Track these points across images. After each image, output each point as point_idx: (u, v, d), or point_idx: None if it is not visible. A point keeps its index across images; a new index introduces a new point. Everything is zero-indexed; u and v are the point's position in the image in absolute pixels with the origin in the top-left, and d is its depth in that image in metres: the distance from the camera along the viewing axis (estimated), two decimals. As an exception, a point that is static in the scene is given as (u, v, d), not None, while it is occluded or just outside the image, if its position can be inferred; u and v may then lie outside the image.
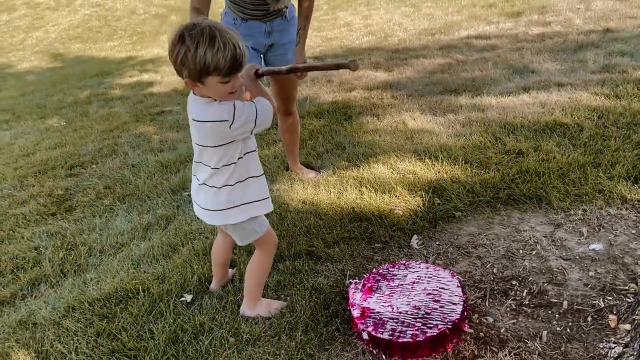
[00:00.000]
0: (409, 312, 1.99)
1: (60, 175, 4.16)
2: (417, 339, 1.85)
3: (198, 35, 1.59)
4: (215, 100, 1.77)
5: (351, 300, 2.12)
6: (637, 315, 1.68)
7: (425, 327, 1.89)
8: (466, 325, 1.98)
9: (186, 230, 2.90)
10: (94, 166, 4.30)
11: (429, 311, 1.97)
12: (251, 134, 1.90)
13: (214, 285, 2.40)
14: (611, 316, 1.86)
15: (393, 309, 2.03)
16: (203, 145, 1.88)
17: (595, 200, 2.64)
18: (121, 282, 2.51)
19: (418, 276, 2.18)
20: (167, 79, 7.26)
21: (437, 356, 1.87)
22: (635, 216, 2.49)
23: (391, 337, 1.88)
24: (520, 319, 1.99)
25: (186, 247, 2.74)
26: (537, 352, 1.81)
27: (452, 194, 2.89)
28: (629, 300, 1.95)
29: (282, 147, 3.66)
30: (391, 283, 2.17)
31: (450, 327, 1.88)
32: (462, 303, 1.97)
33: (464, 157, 3.28)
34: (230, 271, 2.47)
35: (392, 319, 1.97)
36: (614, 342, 1.78)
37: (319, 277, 2.39)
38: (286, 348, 1.99)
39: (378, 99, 4.84)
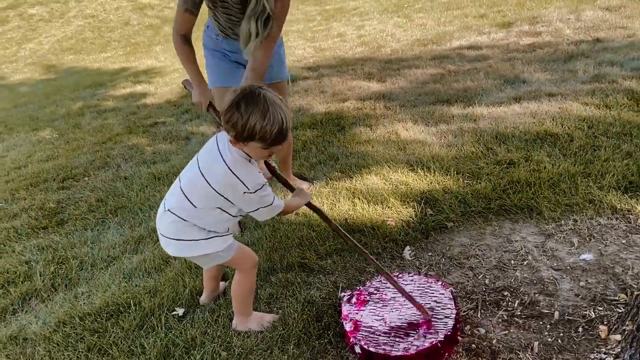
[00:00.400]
0: (401, 326, 1.99)
1: (52, 188, 4.15)
2: (409, 352, 1.85)
3: (253, 105, 1.69)
4: (250, 160, 1.87)
5: (344, 313, 2.12)
6: (627, 325, 1.68)
7: (417, 341, 1.89)
8: (459, 337, 1.98)
9: (178, 242, 2.89)
10: (86, 178, 4.29)
11: (421, 324, 1.97)
12: (250, 212, 1.95)
13: (204, 298, 2.39)
14: (602, 327, 1.86)
15: (385, 322, 2.03)
16: (206, 179, 1.85)
17: (585, 210, 2.66)
18: (112, 296, 2.49)
19: (410, 289, 2.18)
20: (161, 90, 7.27)
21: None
22: (626, 226, 2.50)
23: (383, 351, 1.87)
24: (511, 330, 1.99)
25: (178, 260, 2.73)
26: (528, 364, 1.82)
27: (444, 205, 2.90)
28: (620, 311, 1.95)
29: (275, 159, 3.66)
30: (384, 296, 2.17)
31: (442, 340, 1.87)
32: (454, 316, 1.97)
33: (455, 168, 3.30)
34: (222, 284, 2.46)
35: (385, 332, 1.97)
36: (605, 353, 1.78)
37: (312, 289, 2.39)
38: (278, 362, 1.98)
39: (371, 109, 4.86)
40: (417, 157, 3.57)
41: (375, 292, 2.20)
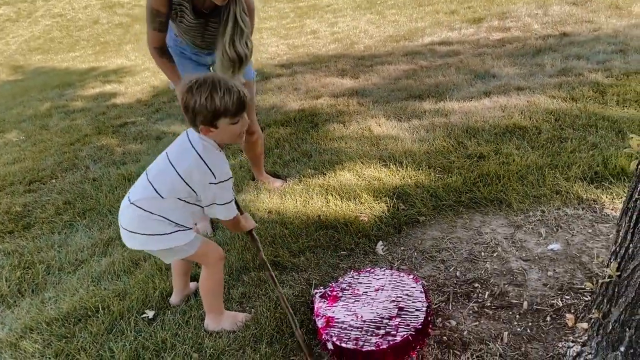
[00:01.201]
0: (373, 321, 1.99)
1: (18, 191, 4.04)
2: (381, 347, 1.85)
3: (204, 85, 1.77)
4: (221, 152, 1.91)
5: (316, 309, 2.11)
6: (593, 314, 1.71)
7: (389, 336, 1.89)
8: (430, 330, 1.99)
9: (149, 244, 2.84)
10: (53, 181, 4.18)
11: (393, 319, 1.97)
12: (204, 206, 1.95)
13: (174, 298, 2.35)
14: (569, 315, 1.89)
15: (357, 317, 2.02)
16: (175, 168, 1.87)
17: (553, 201, 2.70)
18: (80, 300, 2.44)
19: (382, 283, 2.18)
20: (131, 89, 7.14)
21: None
22: (592, 215, 2.55)
23: (355, 347, 1.87)
24: (482, 321, 2.01)
25: (148, 262, 2.68)
26: (498, 354, 1.84)
27: (416, 199, 2.92)
28: (586, 299, 1.99)
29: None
30: (356, 291, 2.17)
31: (413, 333, 1.88)
32: (425, 309, 1.98)
33: (427, 162, 3.32)
34: (193, 284, 2.43)
35: (357, 327, 1.97)
36: (572, 341, 1.81)
37: (284, 287, 2.37)
38: (250, 361, 1.96)
39: (344, 106, 4.86)
40: (390, 153, 3.58)
41: (347, 287, 2.20)
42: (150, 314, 2.30)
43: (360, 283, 2.22)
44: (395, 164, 3.37)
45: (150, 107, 6.05)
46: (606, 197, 2.65)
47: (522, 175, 2.96)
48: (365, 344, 1.87)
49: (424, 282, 2.20)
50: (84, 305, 2.39)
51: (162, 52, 2.64)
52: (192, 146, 1.88)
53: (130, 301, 2.38)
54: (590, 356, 1.71)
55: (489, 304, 2.10)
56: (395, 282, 2.18)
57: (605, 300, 1.66)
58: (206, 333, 2.14)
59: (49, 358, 2.11)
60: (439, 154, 3.45)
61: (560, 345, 1.82)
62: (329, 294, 2.19)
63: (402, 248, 2.58)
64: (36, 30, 15.25)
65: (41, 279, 2.77)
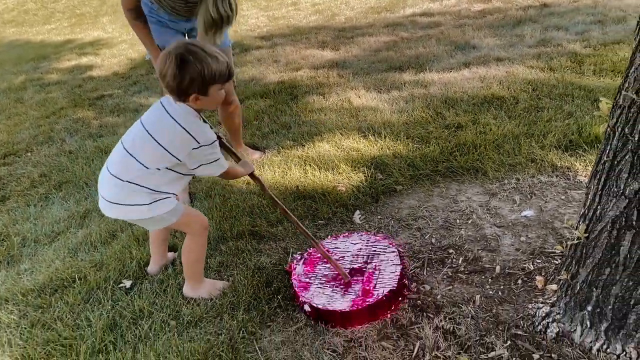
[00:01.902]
0: (349, 283, 2.02)
1: (-8, 164, 3.96)
2: (357, 307, 1.88)
3: (195, 54, 1.75)
4: (201, 119, 1.89)
5: (294, 275, 2.13)
6: (562, 275, 1.75)
7: (364, 296, 1.92)
8: (405, 292, 2.02)
9: (126, 215, 2.82)
10: (28, 154, 4.11)
11: (369, 280, 2.00)
12: (192, 168, 1.92)
13: (152, 267, 2.35)
14: (539, 277, 1.93)
15: (335, 280, 2.05)
16: (155, 139, 1.83)
17: (527, 169, 2.74)
18: (56, 271, 2.42)
19: (359, 248, 2.21)
20: (108, 62, 6.99)
21: (376, 324, 1.90)
22: (565, 182, 2.59)
23: (332, 308, 1.90)
24: (455, 285, 2.05)
25: (125, 233, 2.67)
26: (470, 316, 1.88)
27: (394, 169, 2.93)
28: (557, 262, 2.04)
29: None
30: (334, 255, 2.19)
31: (388, 294, 1.91)
32: (399, 271, 2.01)
33: (405, 133, 3.33)
34: (171, 254, 2.43)
35: (333, 290, 1.99)
36: (542, 303, 1.86)
37: (262, 256, 2.38)
38: (228, 327, 1.98)
39: (324, 77, 4.82)
40: (369, 124, 3.58)
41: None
42: (127, 283, 2.30)
43: (337, 248, 2.24)
44: (373, 135, 3.37)
45: (127, 80, 5.94)
46: (580, 164, 2.69)
47: (499, 144, 2.98)
48: (342, 305, 1.90)
49: (397, 245, 2.23)
50: (60, 276, 2.38)
51: (136, 15, 2.56)
52: (170, 116, 1.84)
53: (107, 271, 2.37)
54: (558, 316, 1.76)
55: (462, 269, 2.14)
56: (371, 246, 2.20)
57: (573, 262, 1.70)
58: (184, 301, 2.15)
59: (25, 328, 2.10)
60: (417, 124, 3.45)
61: (530, 307, 1.87)
62: (307, 258, 2.21)
63: (379, 217, 2.60)
64: (9, 2, 14.78)
65: (17, 251, 2.74)
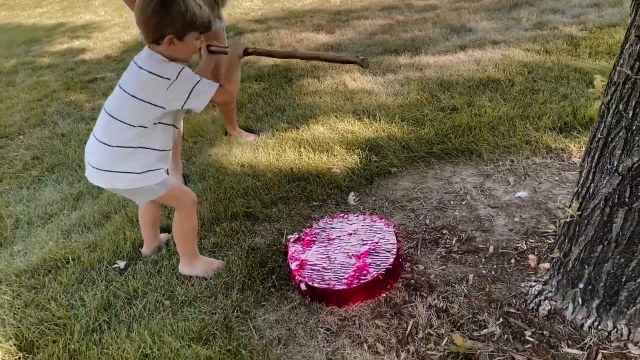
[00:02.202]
0: (345, 262, 2.02)
1: (-16, 147, 3.93)
2: (352, 285, 1.89)
3: None
4: (170, 62, 1.83)
5: (290, 254, 2.13)
6: (555, 253, 1.76)
7: (360, 275, 1.93)
8: (400, 271, 2.03)
9: (119, 197, 2.81)
10: (21, 137, 4.07)
11: (364, 260, 2.01)
12: (182, 107, 1.85)
13: (145, 250, 2.34)
14: (531, 256, 1.94)
15: (330, 259, 2.05)
16: (131, 95, 1.81)
17: (522, 150, 2.74)
18: (50, 252, 2.42)
19: (355, 228, 2.21)
20: (100, 45, 6.91)
21: (370, 302, 1.91)
22: (559, 164, 2.59)
23: (327, 286, 1.91)
24: (449, 265, 2.05)
25: (119, 214, 2.66)
26: (463, 294, 1.89)
27: (389, 151, 2.92)
28: (549, 242, 2.05)
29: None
30: (330, 235, 2.20)
31: (383, 273, 1.92)
32: (395, 251, 2.01)
33: (401, 115, 3.32)
34: (164, 235, 2.42)
35: (329, 269, 2.00)
36: (535, 281, 1.87)
37: (256, 237, 2.38)
38: (222, 307, 1.98)
39: (319, 61, 4.78)
40: (364, 107, 3.57)
41: (321, 232, 2.22)
42: (121, 264, 2.30)
43: (334, 228, 2.25)
44: (368, 117, 3.36)
45: (120, 63, 5.88)
46: (574, 145, 2.69)
47: (494, 126, 2.98)
48: (337, 283, 1.91)
49: (394, 226, 2.23)
50: (54, 257, 2.37)
51: None
52: (140, 67, 1.82)
53: (101, 252, 2.36)
54: (550, 294, 1.77)
55: (456, 249, 2.14)
56: (367, 227, 2.20)
57: (566, 240, 1.70)
58: (178, 281, 2.15)
59: (19, 308, 2.10)
60: (412, 107, 3.44)
61: (523, 285, 1.88)
62: (303, 238, 2.21)
63: (373, 198, 2.60)
64: (-1, -15, 14.51)
65: (9, 232, 2.73)
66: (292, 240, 2.23)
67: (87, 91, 5.00)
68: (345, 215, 2.32)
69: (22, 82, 5.67)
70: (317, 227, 2.27)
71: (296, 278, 2.00)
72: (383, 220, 2.23)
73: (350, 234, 2.18)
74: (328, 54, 2.01)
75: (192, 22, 1.76)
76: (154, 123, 1.85)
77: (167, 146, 1.97)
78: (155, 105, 1.81)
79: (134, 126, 1.82)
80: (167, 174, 2.03)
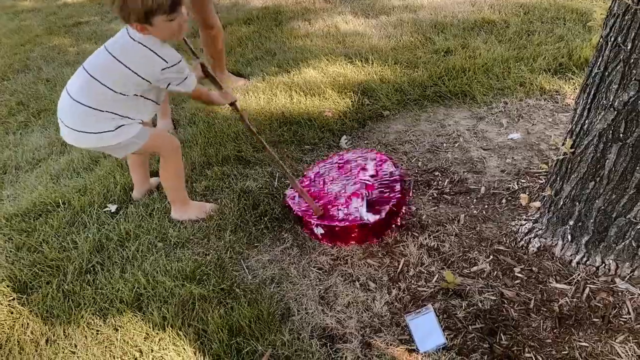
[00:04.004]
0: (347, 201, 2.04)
1: (-33, 93, 3.83)
2: (372, 220, 1.91)
3: None
4: (169, 46, 1.83)
5: (294, 209, 2.10)
6: (546, 192, 1.77)
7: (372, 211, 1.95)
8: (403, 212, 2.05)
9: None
10: (5, 82, 3.96)
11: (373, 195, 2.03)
12: (166, 88, 1.88)
13: (136, 193, 2.33)
14: (522, 195, 1.95)
15: (339, 197, 2.07)
16: (121, 62, 1.78)
17: (516, 92, 2.71)
18: (40, 196, 2.39)
19: (372, 170, 2.20)
20: (83, -12, 6.64)
21: (373, 243, 1.93)
22: (553, 105, 2.57)
23: (344, 224, 1.91)
24: (440, 206, 2.06)
25: (108, 159, 2.63)
26: (454, 234, 1.90)
27: (381, 94, 2.88)
28: (541, 182, 2.05)
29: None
30: (326, 178, 2.20)
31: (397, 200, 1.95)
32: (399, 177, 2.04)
33: (394, 58, 3.25)
34: (154, 179, 2.40)
35: (338, 209, 2.01)
36: (525, 219, 1.88)
37: (248, 180, 2.37)
38: (215, 248, 1.99)
39: (310, 3, 4.65)
40: (356, 50, 3.49)
41: (316, 178, 2.22)
42: (112, 207, 2.28)
43: (331, 170, 2.25)
44: (361, 61, 3.29)
45: (104, 7, 5.67)
46: (568, 87, 2.66)
47: (488, 68, 2.93)
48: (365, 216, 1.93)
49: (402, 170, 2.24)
50: (44, 201, 2.35)
51: None
52: (136, 40, 1.78)
53: (92, 196, 2.35)
54: (540, 232, 1.79)
55: (448, 191, 2.15)
56: (364, 159, 2.22)
57: (558, 178, 1.70)
58: (170, 223, 2.15)
59: (11, 251, 2.09)
60: (405, 49, 3.37)
61: (514, 224, 1.90)
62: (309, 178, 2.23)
63: (365, 141, 2.58)
64: None
65: (-3, 178, 2.70)
66: (290, 195, 2.21)
67: (70, 35, 4.84)
68: (357, 151, 2.34)
69: (4, 27, 5.47)
70: (311, 172, 2.27)
71: (312, 223, 1.99)
72: (391, 160, 2.23)
73: (362, 168, 2.20)
74: (294, 179, 2.05)
75: (150, 10, 1.70)
76: (135, 94, 1.84)
77: (144, 118, 1.95)
78: (143, 78, 1.80)
79: (114, 91, 1.80)
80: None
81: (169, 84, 1.86)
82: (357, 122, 2.72)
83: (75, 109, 1.83)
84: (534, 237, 1.79)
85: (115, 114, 1.84)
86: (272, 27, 4.20)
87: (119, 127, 1.86)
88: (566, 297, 1.60)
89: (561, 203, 1.69)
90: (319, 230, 1.97)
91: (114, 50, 1.82)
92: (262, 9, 4.62)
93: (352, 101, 2.86)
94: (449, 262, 1.80)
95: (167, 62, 1.79)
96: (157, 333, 1.67)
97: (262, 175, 2.40)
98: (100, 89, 1.79)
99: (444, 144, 2.45)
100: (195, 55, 2.06)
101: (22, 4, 6.34)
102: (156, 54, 1.77)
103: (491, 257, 1.78)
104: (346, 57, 3.39)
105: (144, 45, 1.77)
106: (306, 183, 2.23)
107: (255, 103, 3.00)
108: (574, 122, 1.61)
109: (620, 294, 1.58)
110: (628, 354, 1.42)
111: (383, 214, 1.90)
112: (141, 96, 1.86)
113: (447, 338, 1.53)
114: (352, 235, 1.92)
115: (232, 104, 2.14)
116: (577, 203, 1.62)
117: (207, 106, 2.47)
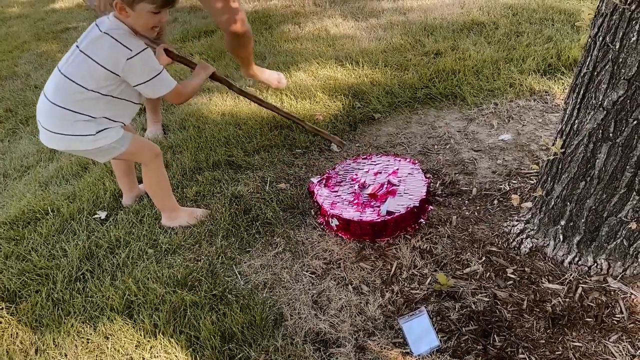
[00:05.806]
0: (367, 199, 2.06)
1: (-46, 101, 3.78)
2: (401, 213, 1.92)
3: None
4: (135, 36, 1.79)
5: (317, 196, 2.13)
6: (538, 192, 1.77)
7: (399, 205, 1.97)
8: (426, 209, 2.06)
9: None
10: (-8, 89, 3.94)
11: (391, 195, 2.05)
12: (134, 85, 1.82)
13: (125, 200, 2.31)
14: (514, 196, 1.94)
15: (359, 196, 2.09)
16: (88, 56, 1.75)
17: (506, 93, 2.71)
18: (28, 204, 2.37)
19: (379, 169, 2.23)
20: (71, -6, 6.61)
21: (355, 246, 1.92)
22: (542, 106, 2.58)
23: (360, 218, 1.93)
24: (432, 208, 2.06)
25: (98, 166, 2.60)
26: (446, 235, 1.90)
27: (372, 97, 2.88)
28: (532, 182, 2.05)
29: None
30: (354, 176, 2.20)
31: (417, 205, 1.96)
32: (425, 190, 2.04)
33: (384, 61, 3.25)
34: (142, 185, 2.37)
35: (357, 204, 2.03)
36: (517, 220, 1.88)
37: (239, 185, 2.35)
38: (206, 253, 1.98)
39: (299, 6, 4.64)
40: (346, 53, 3.49)
41: (345, 173, 2.25)
42: (102, 214, 2.26)
43: (360, 169, 2.25)
44: (351, 64, 3.29)
45: (92, 12, 5.63)
46: (557, 87, 2.67)
47: (478, 69, 2.94)
48: (366, 216, 1.93)
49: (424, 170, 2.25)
50: (32, 208, 2.33)
51: None
52: (102, 31, 1.76)
53: (81, 203, 2.32)
54: (532, 232, 1.79)
55: (439, 192, 2.14)
56: (390, 166, 2.23)
57: (549, 179, 1.70)
58: (161, 230, 2.13)
59: (-1, 260, 2.07)
60: (396, 52, 3.37)
61: (505, 225, 1.90)
62: (328, 180, 2.22)
63: (357, 145, 2.57)
64: None
65: (-15, 186, 2.67)
66: (316, 182, 2.23)
67: (59, 41, 4.81)
68: (369, 157, 2.34)
69: (-10, 34, 5.44)
70: (341, 169, 2.29)
71: (328, 215, 2.00)
72: (408, 159, 2.25)
73: (376, 173, 2.20)
74: (306, 123, 2.06)
75: None
76: (108, 95, 1.81)
77: (124, 121, 1.93)
78: (109, 71, 1.76)
79: (85, 88, 1.77)
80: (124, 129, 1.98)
81: (139, 83, 1.80)
82: (349, 125, 2.71)
83: (52, 112, 1.81)
84: (526, 238, 1.79)
85: (91, 116, 1.81)
86: (262, 31, 4.19)
87: (99, 131, 1.84)
88: (559, 297, 1.60)
89: (552, 203, 1.69)
90: (334, 222, 1.98)
91: (82, 43, 1.80)
92: (252, 13, 4.61)
93: (343, 104, 2.86)
94: (442, 264, 1.79)
95: (131, 51, 1.74)
96: (148, 340, 1.65)
97: (253, 179, 2.39)
98: (72, 87, 1.77)
99: (435, 146, 2.45)
100: (191, 63, 2.04)
101: (10, 11, 6.29)
102: (120, 42, 1.73)
103: (484, 258, 1.78)
104: (336, 60, 3.39)
105: (111, 36, 1.74)
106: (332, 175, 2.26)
107: (246, 107, 2.99)
108: (563, 122, 1.61)
109: (612, 293, 1.58)
110: (622, 353, 1.42)
111: (402, 210, 1.92)
112: (115, 97, 1.83)
113: (441, 340, 1.52)
114: (366, 230, 1.93)
115: (214, 76, 2.07)
116: (568, 203, 1.63)
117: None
